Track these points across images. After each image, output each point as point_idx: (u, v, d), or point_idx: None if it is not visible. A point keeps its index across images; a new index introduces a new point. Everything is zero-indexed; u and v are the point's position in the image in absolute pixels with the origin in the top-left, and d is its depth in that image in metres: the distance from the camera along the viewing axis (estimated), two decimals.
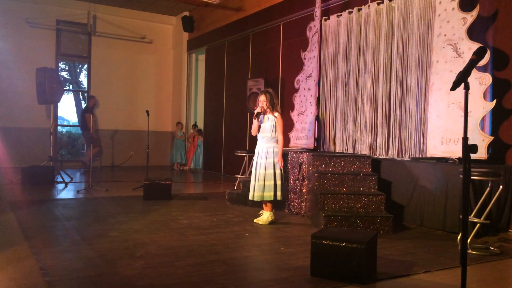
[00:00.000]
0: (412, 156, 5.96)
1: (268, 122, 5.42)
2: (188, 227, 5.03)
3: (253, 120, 5.50)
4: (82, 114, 11.22)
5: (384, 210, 5.17)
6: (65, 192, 7.52)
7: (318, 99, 7.68)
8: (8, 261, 3.53)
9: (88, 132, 11.02)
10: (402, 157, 6.13)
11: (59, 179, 8.49)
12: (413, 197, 5.46)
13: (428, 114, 5.68)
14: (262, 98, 5.43)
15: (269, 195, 5.33)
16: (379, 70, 6.57)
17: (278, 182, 5.36)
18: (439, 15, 5.63)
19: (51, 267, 3.39)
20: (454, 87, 2.31)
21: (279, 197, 5.38)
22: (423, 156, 5.79)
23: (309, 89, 7.81)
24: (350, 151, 7.00)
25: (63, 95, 9.35)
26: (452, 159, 5.31)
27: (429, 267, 3.66)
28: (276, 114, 5.41)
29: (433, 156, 5.55)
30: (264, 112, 5.44)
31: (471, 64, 2.38)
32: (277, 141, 5.40)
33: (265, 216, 5.41)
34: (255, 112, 5.44)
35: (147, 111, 8.60)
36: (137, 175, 9.99)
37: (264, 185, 5.33)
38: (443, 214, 5.07)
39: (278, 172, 5.36)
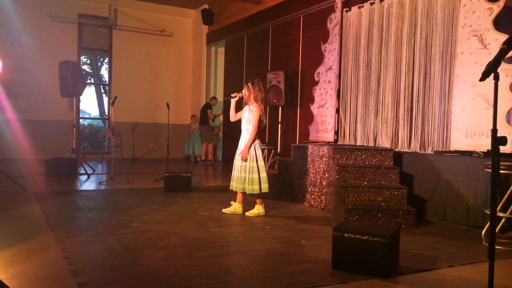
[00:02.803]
0: (435, 150, 5.86)
1: (246, 113, 5.39)
2: (209, 219, 5.06)
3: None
4: (204, 110, 11.67)
5: (406, 204, 5.11)
6: (88, 184, 7.65)
7: (338, 91, 7.61)
8: (34, 250, 3.61)
9: (207, 128, 11.63)
10: (425, 150, 6.04)
11: (82, 171, 8.64)
12: (436, 191, 5.38)
13: (452, 106, 5.58)
14: (245, 87, 5.42)
15: (249, 187, 5.25)
16: (401, 62, 6.47)
17: (262, 175, 5.26)
18: (464, 5, 5.50)
19: (76, 257, 3.45)
20: (483, 77, 2.25)
21: (263, 189, 5.27)
22: (447, 150, 5.70)
23: (329, 81, 7.75)
24: (371, 144, 6.93)
25: (85, 88, 9.48)
26: (476, 152, 5.20)
27: (453, 262, 3.61)
28: (252, 105, 5.34)
29: (457, 149, 5.45)
30: (246, 102, 5.44)
31: (501, 54, 2.32)
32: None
33: (256, 209, 5.35)
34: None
35: (168, 104, 8.65)
36: (157, 167, 10.09)
37: (244, 177, 5.27)
38: (466, 208, 4.99)
39: (259, 164, 5.26)
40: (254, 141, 5.30)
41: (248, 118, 5.33)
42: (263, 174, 5.28)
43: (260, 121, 5.33)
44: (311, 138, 8.07)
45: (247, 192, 5.29)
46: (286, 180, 6.53)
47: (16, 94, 10.87)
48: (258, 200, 5.37)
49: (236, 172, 5.36)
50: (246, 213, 5.37)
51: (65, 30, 11.83)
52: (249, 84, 5.39)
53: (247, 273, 3.19)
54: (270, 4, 10.00)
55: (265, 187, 5.28)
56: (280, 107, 9.03)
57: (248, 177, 5.24)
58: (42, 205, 5.51)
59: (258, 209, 5.36)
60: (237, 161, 5.37)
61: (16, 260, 3.33)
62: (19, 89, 10.97)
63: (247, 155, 5.24)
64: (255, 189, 5.23)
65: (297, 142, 8.58)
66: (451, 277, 3.28)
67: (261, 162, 5.29)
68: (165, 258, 3.48)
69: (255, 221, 5.02)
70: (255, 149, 5.29)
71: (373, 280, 3.13)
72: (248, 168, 5.25)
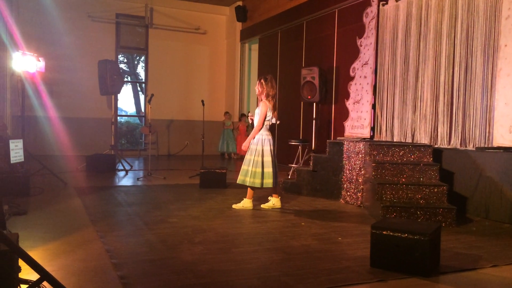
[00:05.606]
0: (476, 146, 5.67)
1: (258, 109, 5.48)
2: (244, 215, 5.09)
3: None
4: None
5: (446, 202, 4.97)
6: (126, 179, 7.83)
7: (374, 87, 7.47)
8: (77, 244, 3.73)
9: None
10: (466, 146, 5.85)
11: (120, 167, 8.85)
12: (478, 189, 5.21)
13: (495, 101, 5.38)
14: (257, 83, 5.47)
15: (242, 179, 5.32)
16: (441, 56, 6.29)
17: (266, 170, 5.28)
18: None
19: (117, 250, 3.54)
20: None
21: (266, 184, 5.29)
22: (489, 146, 5.50)
23: (365, 77, 7.62)
24: (409, 140, 6.77)
25: (123, 86, 9.69)
26: None
27: (497, 261, 3.49)
28: (261, 102, 5.42)
29: (500, 145, 5.26)
30: (259, 99, 5.54)
31: None
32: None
33: (242, 202, 5.44)
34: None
35: (202, 101, 8.72)
36: (193, 164, 10.21)
37: (247, 170, 5.33)
38: (510, 206, 4.81)
39: (265, 159, 5.28)
40: (257, 135, 5.37)
41: (257, 114, 5.43)
42: (268, 170, 5.30)
43: (269, 117, 5.38)
44: (346, 134, 7.97)
45: (247, 185, 5.35)
46: (321, 176, 6.48)
47: (57, 92, 11.23)
48: (249, 193, 5.40)
49: (243, 165, 5.44)
50: (233, 206, 5.47)
51: (103, 30, 12.14)
52: (262, 80, 5.44)
53: (284, 270, 3.19)
54: (304, 0, 9.91)
55: (268, 182, 5.30)
56: (314, 103, 8.95)
57: (251, 170, 5.30)
58: (83, 200, 5.69)
59: (244, 203, 5.42)
60: (246, 154, 5.47)
61: (60, 253, 3.45)
62: (60, 87, 11.34)
63: (247, 148, 5.38)
64: (256, 182, 5.27)
65: (332, 139, 8.49)
66: (495, 277, 3.17)
67: (267, 158, 5.32)
68: (202, 253, 3.52)
69: (290, 218, 5.01)
70: (263, 144, 5.34)
71: (413, 278, 3.07)
72: (253, 162, 5.31)
